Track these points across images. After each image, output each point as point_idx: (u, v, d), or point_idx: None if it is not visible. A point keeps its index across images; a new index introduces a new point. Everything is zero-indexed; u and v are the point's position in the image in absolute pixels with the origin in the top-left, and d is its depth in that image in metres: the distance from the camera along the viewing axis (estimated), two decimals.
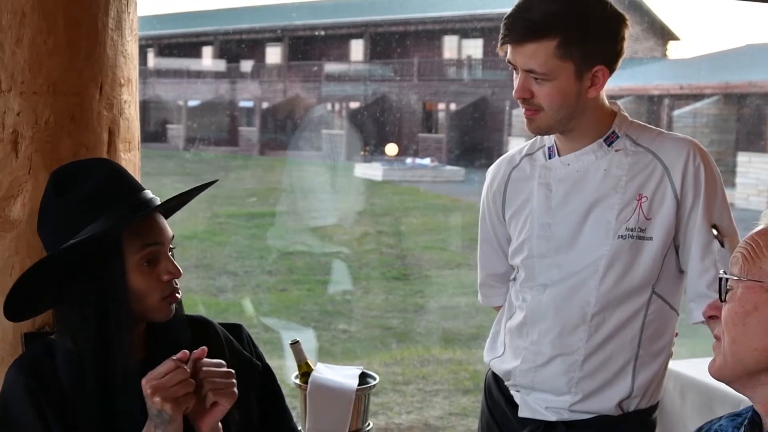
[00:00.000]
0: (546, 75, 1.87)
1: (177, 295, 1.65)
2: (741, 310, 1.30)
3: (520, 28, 1.87)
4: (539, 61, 1.86)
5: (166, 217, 1.72)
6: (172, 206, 1.72)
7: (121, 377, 1.56)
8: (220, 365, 1.57)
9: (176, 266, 1.63)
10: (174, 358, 1.51)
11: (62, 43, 1.82)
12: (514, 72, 1.92)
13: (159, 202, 1.65)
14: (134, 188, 1.63)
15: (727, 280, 1.33)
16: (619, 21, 1.90)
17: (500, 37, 1.90)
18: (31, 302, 1.62)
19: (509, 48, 1.90)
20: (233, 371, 1.58)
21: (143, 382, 1.50)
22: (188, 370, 1.51)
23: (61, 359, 1.58)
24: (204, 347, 1.56)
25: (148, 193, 1.64)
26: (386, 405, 6.46)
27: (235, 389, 1.57)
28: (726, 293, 1.33)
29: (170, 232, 1.66)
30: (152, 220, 1.63)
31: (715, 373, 1.35)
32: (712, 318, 1.37)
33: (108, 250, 1.57)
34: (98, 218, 1.56)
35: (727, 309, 1.32)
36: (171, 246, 1.66)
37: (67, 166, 1.67)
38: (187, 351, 1.53)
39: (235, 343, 1.79)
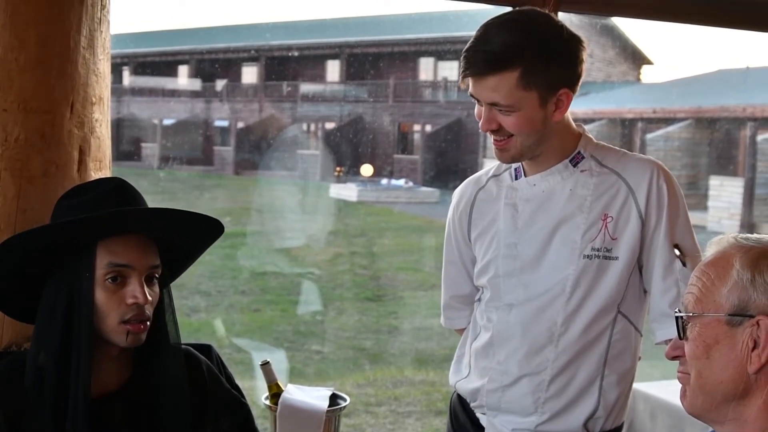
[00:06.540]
0: (511, 107, 1.86)
1: (141, 325, 1.59)
2: (703, 344, 1.30)
3: (480, 60, 1.85)
4: (502, 93, 1.84)
5: (179, 263, 1.76)
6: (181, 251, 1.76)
7: (74, 397, 1.52)
8: None
9: (144, 293, 1.59)
10: None
11: (33, 61, 1.81)
12: (477, 103, 1.91)
13: (152, 225, 1.65)
14: (134, 204, 1.66)
15: (683, 318, 1.33)
16: (576, 43, 1.90)
17: (461, 70, 1.88)
18: (13, 292, 1.62)
19: (470, 81, 1.88)
20: None
21: None
22: None
23: (29, 369, 1.56)
24: None
25: (148, 212, 1.64)
26: (359, 426, 6.43)
27: None
28: (684, 331, 1.33)
29: (152, 259, 1.62)
30: (130, 241, 1.60)
31: (688, 407, 1.35)
32: (675, 358, 1.37)
33: (81, 257, 1.57)
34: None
35: (689, 346, 1.32)
36: (156, 274, 1.63)
37: (87, 182, 1.76)
38: None
39: (223, 383, 1.76)
